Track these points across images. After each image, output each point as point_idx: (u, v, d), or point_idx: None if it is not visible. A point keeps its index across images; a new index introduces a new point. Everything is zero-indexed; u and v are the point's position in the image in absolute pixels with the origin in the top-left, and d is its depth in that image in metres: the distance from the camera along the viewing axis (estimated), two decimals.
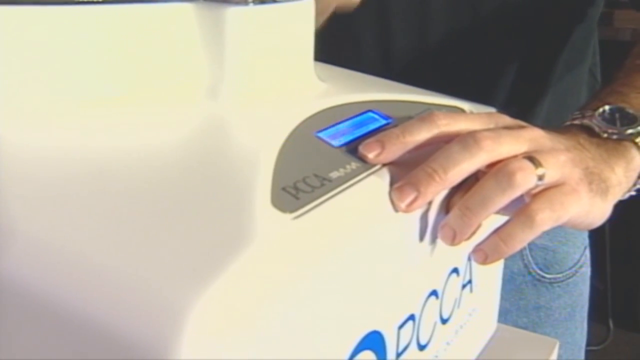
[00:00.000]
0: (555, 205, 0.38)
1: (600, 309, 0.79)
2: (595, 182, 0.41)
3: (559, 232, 0.73)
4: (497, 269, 0.55)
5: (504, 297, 0.57)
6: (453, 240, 0.39)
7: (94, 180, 0.31)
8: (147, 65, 0.40)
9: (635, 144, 0.45)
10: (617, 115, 0.46)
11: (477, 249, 0.39)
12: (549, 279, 0.73)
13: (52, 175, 0.31)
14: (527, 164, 0.38)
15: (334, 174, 0.35)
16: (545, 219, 0.38)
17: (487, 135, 0.38)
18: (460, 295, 0.46)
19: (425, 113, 0.41)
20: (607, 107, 0.47)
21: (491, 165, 0.38)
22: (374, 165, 0.38)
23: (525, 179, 0.37)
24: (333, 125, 0.40)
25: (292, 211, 0.31)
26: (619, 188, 0.43)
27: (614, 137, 0.45)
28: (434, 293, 0.41)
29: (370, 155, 0.38)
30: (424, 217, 0.38)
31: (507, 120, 0.42)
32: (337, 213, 0.33)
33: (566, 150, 0.41)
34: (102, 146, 0.34)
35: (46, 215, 0.29)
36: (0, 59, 0.34)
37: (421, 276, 0.40)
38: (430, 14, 0.66)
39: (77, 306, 0.26)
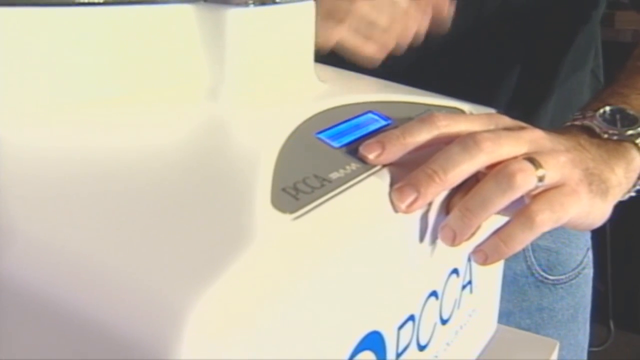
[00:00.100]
0: (555, 206, 0.38)
1: (601, 310, 0.79)
2: (596, 182, 0.41)
3: (561, 233, 0.73)
4: (497, 269, 0.55)
5: (506, 298, 0.57)
6: (453, 241, 0.39)
7: (94, 181, 0.31)
8: (148, 66, 0.40)
9: (636, 145, 0.45)
10: (617, 116, 0.46)
11: (477, 250, 0.40)
12: (552, 280, 0.73)
13: (52, 175, 0.31)
14: (527, 165, 0.38)
15: (334, 175, 0.35)
16: (545, 220, 0.38)
17: (487, 137, 0.38)
18: (460, 295, 0.46)
19: (426, 114, 0.41)
20: (607, 108, 0.47)
21: (491, 167, 0.38)
22: (374, 166, 0.38)
23: (526, 180, 0.37)
24: (333, 126, 0.40)
25: (292, 212, 0.31)
26: (619, 189, 0.43)
27: (615, 138, 0.45)
28: (434, 294, 0.41)
29: (371, 156, 0.38)
30: (424, 218, 0.38)
31: (507, 121, 0.42)
32: (337, 214, 0.33)
33: (566, 151, 0.41)
34: (103, 147, 0.34)
35: (46, 215, 0.29)
36: (1, 60, 0.34)
37: (421, 277, 0.40)
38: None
39: (77, 306, 0.26)
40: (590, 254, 0.77)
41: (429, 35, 0.55)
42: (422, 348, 0.41)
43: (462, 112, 0.48)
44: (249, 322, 0.26)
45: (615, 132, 0.45)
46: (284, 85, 0.44)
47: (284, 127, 0.38)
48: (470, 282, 0.47)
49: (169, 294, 0.25)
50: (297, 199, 0.32)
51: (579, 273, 0.75)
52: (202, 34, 0.41)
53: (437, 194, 0.37)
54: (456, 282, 0.45)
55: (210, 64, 0.41)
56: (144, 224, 0.29)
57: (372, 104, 0.45)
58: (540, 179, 0.38)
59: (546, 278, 0.73)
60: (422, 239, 0.39)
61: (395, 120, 0.43)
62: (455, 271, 0.44)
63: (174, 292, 0.25)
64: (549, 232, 0.73)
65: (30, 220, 0.29)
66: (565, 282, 0.74)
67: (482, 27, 0.67)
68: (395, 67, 0.59)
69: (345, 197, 0.34)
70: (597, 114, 0.46)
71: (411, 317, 0.39)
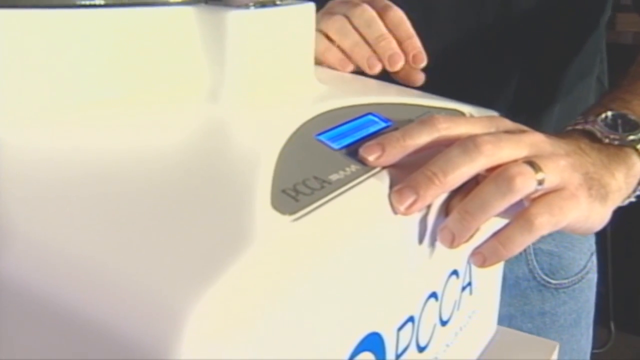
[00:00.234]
0: (554, 210, 0.38)
1: (601, 311, 0.79)
2: (595, 187, 0.41)
3: (564, 237, 0.73)
4: (497, 271, 0.55)
5: (508, 302, 0.57)
6: (452, 243, 0.39)
7: (95, 182, 0.31)
8: (149, 68, 0.40)
9: (637, 150, 0.45)
10: (619, 121, 0.46)
11: (476, 252, 0.40)
12: (555, 284, 0.73)
13: (52, 176, 0.31)
14: (527, 169, 0.38)
15: (333, 177, 0.35)
16: (544, 223, 0.38)
17: (488, 140, 0.38)
18: (460, 297, 0.46)
19: (426, 116, 0.41)
20: (609, 113, 0.47)
21: (491, 170, 0.38)
22: (374, 167, 0.38)
23: (525, 184, 0.37)
24: (333, 128, 0.40)
25: (291, 213, 0.31)
26: (619, 194, 0.43)
27: (616, 142, 0.45)
28: (433, 295, 0.42)
29: (370, 158, 0.38)
30: (424, 220, 0.38)
31: (508, 124, 0.42)
32: (336, 215, 0.33)
33: (566, 155, 0.41)
34: (103, 148, 0.34)
35: (47, 216, 0.29)
36: (2, 62, 0.34)
37: (420, 278, 0.40)
38: (435, 20, 0.66)
39: (77, 307, 0.26)
40: (594, 258, 0.77)
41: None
42: (421, 349, 0.41)
43: (462, 114, 0.49)
44: (249, 323, 0.26)
45: (617, 137, 0.45)
46: (284, 87, 0.44)
47: (284, 128, 0.38)
48: (470, 284, 0.47)
49: (169, 294, 0.25)
50: (297, 200, 0.32)
51: (582, 277, 0.74)
52: (203, 35, 0.41)
53: (437, 196, 0.37)
54: (456, 283, 0.45)
55: (210, 66, 0.41)
56: (144, 225, 0.29)
57: (372, 105, 0.45)
58: (540, 182, 0.38)
59: (548, 282, 0.73)
60: (421, 240, 0.39)
61: (395, 122, 0.43)
62: (455, 272, 0.44)
63: (174, 293, 0.25)
64: (551, 236, 0.73)
65: (30, 221, 0.29)
66: (568, 287, 0.74)
67: (481, 34, 0.67)
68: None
69: (345, 198, 0.34)
70: (599, 118, 0.46)
71: (411, 319, 0.39)
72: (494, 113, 0.50)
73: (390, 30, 0.54)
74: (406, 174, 0.38)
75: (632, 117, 0.47)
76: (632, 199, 0.46)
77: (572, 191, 0.39)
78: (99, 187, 0.31)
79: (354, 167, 0.37)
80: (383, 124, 0.43)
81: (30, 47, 0.35)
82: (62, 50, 0.36)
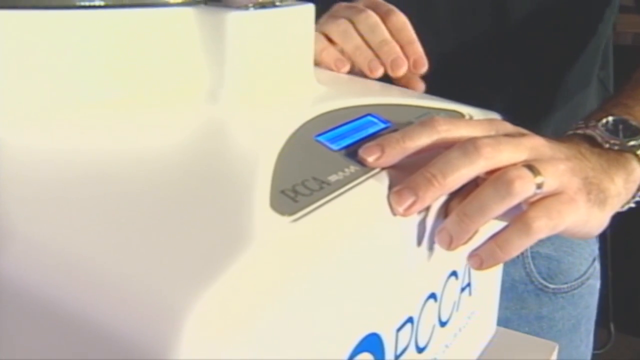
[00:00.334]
0: (553, 214, 0.38)
1: (601, 312, 0.78)
2: (594, 192, 0.41)
3: (564, 242, 0.72)
4: (496, 272, 0.55)
5: (504, 305, 0.57)
6: (449, 245, 0.39)
7: (94, 182, 0.32)
8: (148, 68, 0.40)
9: (637, 155, 0.45)
10: (620, 126, 0.46)
11: (473, 254, 0.39)
12: (552, 289, 0.73)
13: (52, 177, 0.32)
14: (526, 172, 0.38)
15: (332, 177, 0.35)
16: (542, 226, 0.38)
17: (487, 142, 0.38)
18: (459, 298, 0.46)
19: (426, 118, 0.41)
20: (610, 118, 0.47)
21: (490, 172, 0.38)
22: (373, 168, 0.38)
23: (524, 187, 0.37)
24: (332, 129, 0.40)
25: (290, 214, 0.31)
26: (618, 199, 0.43)
27: (616, 147, 0.45)
28: (432, 296, 0.42)
29: (370, 159, 0.38)
30: (423, 221, 0.38)
31: (508, 127, 0.42)
32: (335, 216, 0.33)
33: (566, 160, 0.41)
34: (102, 149, 0.34)
35: (46, 216, 0.29)
36: (2, 62, 0.35)
37: (420, 279, 0.40)
38: (433, 21, 0.66)
39: (76, 307, 0.26)
40: (596, 264, 0.76)
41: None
42: (420, 350, 0.41)
43: (461, 115, 0.49)
44: (248, 323, 0.26)
45: (617, 142, 0.45)
46: (283, 88, 0.44)
47: (283, 129, 0.38)
48: (469, 285, 0.47)
49: (168, 294, 0.25)
50: (295, 201, 0.32)
51: (582, 283, 0.74)
52: (203, 36, 0.41)
53: (436, 198, 0.37)
54: (455, 284, 0.45)
55: (210, 67, 0.41)
56: (143, 225, 0.29)
57: (371, 106, 0.45)
58: (539, 186, 0.38)
59: (546, 286, 0.73)
60: (420, 241, 0.39)
61: (395, 123, 0.43)
62: (454, 273, 0.44)
63: (173, 293, 0.25)
64: (550, 240, 0.73)
65: (29, 222, 0.29)
66: (566, 292, 0.73)
67: (478, 38, 0.67)
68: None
69: (344, 199, 0.34)
70: (600, 123, 0.46)
71: (410, 319, 0.39)
72: (495, 115, 0.50)
73: (392, 35, 0.54)
74: (405, 176, 0.38)
75: (633, 122, 0.47)
76: (632, 205, 0.46)
77: (571, 195, 0.39)
78: (99, 187, 0.31)
79: (353, 168, 0.37)
80: (382, 125, 0.43)
81: (30, 47, 0.35)
82: (61, 51, 0.36)
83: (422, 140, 0.39)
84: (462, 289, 0.46)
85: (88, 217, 0.29)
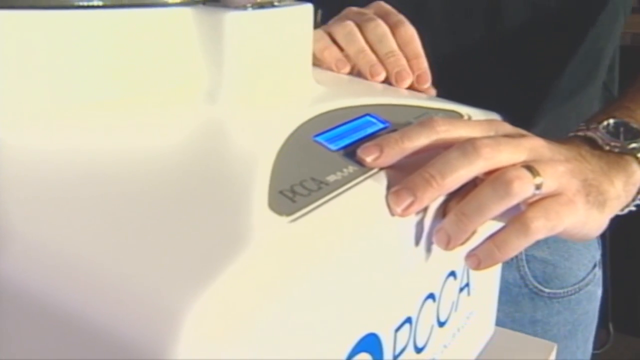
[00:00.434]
0: (551, 215, 0.38)
1: (600, 312, 0.78)
2: (593, 194, 0.41)
3: (561, 246, 0.72)
4: (495, 272, 0.55)
5: (499, 308, 0.57)
6: (447, 245, 0.39)
7: (93, 183, 0.32)
8: (147, 69, 0.40)
9: (637, 158, 0.45)
10: (621, 129, 0.46)
11: (471, 254, 0.39)
12: (548, 293, 0.72)
13: (51, 177, 0.32)
14: (525, 173, 0.38)
15: (331, 178, 0.35)
16: (540, 227, 0.38)
17: (487, 143, 0.38)
18: (458, 298, 0.46)
19: (425, 118, 0.41)
20: (611, 121, 0.47)
21: (489, 173, 0.38)
22: (372, 169, 0.38)
23: (522, 188, 0.37)
24: (331, 129, 0.40)
25: (289, 214, 0.31)
26: (617, 201, 0.43)
27: (616, 150, 0.45)
28: (431, 296, 0.42)
29: (368, 159, 0.38)
30: (421, 221, 0.38)
31: (507, 128, 0.42)
32: (334, 216, 0.33)
33: (565, 161, 0.41)
34: (101, 149, 0.34)
35: (45, 217, 0.29)
36: (1, 63, 0.35)
37: (418, 279, 0.40)
38: (428, 25, 0.66)
39: (75, 307, 0.26)
40: (597, 271, 0.75)
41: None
42: (419, 350, 0.41)
43: (460, 115, 0.49)
44: (246, 323, 0.26)
45: (618, 144, 0.45)
46: (282, 88, 0.44)
47: (281, 129, 0.38)
48: (467, 285, 0.47)
49: (167, 295, 0.25)
50: (294, 201, 0.32)
51: (580, 289, 0.73)
52: (201, 37, 0.41)
53: (434, 198, 0.37)
54: (453, 284, 0.45)
55: (208, 67, 0.41)
56: (141, 225, 0.29)
57: (370, 106, 0.45)
58: (538, 187, 0.38)
59: (541, 290, 0.72)
60: (419, 241, 0.39)
61: (393, 123, 0.43)
62: (452, 274, 0.44)
63: (171, 294, 0.25)
64: (546, 244, 0.72)
65: (28, 222, 0.29)
66: (562, 297, 0.72)
67: (471, 41, 0.67)
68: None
69: (342, 199, 0.34)
70: (601, 125, 0.46)
71: (408, 320, 0.39)
72: (495, 115, 0.50)
73: (399, 47, 0.54)
74: (404, 176, 0.38)
75: (634, 125, 0.47)
76: (632, 208, 0.46)
77: (570, 197, 0.39)
78: (97, 188, 0.31)
79: (351, 168, 0.37)
80: (381, 125, 0.43)
81: (29, 48, 0.35)
82: (60, 51, 0.36)
83: (420, 140, 0.39)
84: (461, 289, 0.46)
85: (87, 218, 0.29)
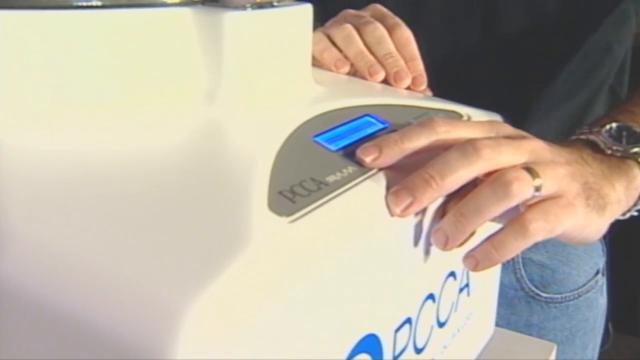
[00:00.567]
0: (550, 217, 0.38)
1: None
2: (593, 197, 0.41)
3: (560, 251, 0.71)
4: (494, 273, 0.55)
5: None
6: (445, 245, 0.39)
7: (92, 183, 0.32)
8: (146, 69, 0.40)
9: (639, 163, 0.45)
10: (624, 133, 0.46)
11: (469, 255, 0.39)
12: (545, 297, 0.71)
13: (51, 177, 0.32)
14: (525, 175, 0.38)
15: (330, 178, 0.35)
16: (539, 229, 0.38)
17: (487, 144, 0.38)
18: (457, 298, 0.46)
19: (425, 119, 0.41)
20: (614, 124, 0.46)
21: (489, 174, 0.38)
22: (371, 169, 0.38)
23: (522, 190, 0.37)
24: (330, 130, 0.40)
25: (288, 215, 0.31)
26: (618, 206, 0.43)
27: (618, 154, 0.45)
28: (430, 297, 0.42)
29: (368, 159, 0.38)
30: (420, 222, 0.38)
31: (508, 129, 0.42)
32: (333, 217, 0.33)
33: (566, 164, 0.40)
34: (100, 150, 0.34)
35: (44, 217, 0.29)
36: (1, 63, 0.35)
37: (418, 280, 0.40)
38: (425, 26, 0.66)
39: (74, 308, 0.26)
40: (599, 278, 0.74)
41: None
42: (419, 351, 0.41)
43: (459, 115, 0.49)
44: (246, 323, 0.26)
45: (620, 148, 0.45)
46: (281, 88, 0.44)
47: (281, 130, 0.38)
48: (467, 285, 0.47)
49: (167, 295, 0.25)
50: (293, 202, 0.32)
51: (580, 295, 0.72)
52: (200, 37, 0.41)
53: (433, 199, 0.37)
54: (453, 285, 0.45)
55: (208, 67, 0.41)
56: (141, 226, 0.29)
57: (369, 107, 0.45)
58: (537, 188, 0.38)
59: (538, 294, 0.71)
60: (418, 242, 0.39)
61: (393, 124, 0.43)
62: (452, 274, 0.44)
63: (171, 294, 0.25)
64: (544, 248, 0.72)
65: (28, 222, 0.29)
66: (560, 302, 0.72)
67: (469, 44, 0.67)
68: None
69: (342, 200, 0.34)
70: (604, 129, 0.46)
71: (408, 320, 0.39)
72: (496, 116, 0.50)
73: (396, 48, 0.55)
74: (403, 176, 0.38)
75: (637, 129, 0.46)
76: (634, 213, 0.45)
77: (570, 200, 0.39)
78: (96, 188, 0.31)
79: (351, 169, 0.37)
80: (380, 126, 0.43)
81: (29, 48, 0.35)
82: (60, 51, 0.36)
83: (420, 141, 0.39)
84: (461, 290, 0.46)
85: (86, 218, 0.29)
